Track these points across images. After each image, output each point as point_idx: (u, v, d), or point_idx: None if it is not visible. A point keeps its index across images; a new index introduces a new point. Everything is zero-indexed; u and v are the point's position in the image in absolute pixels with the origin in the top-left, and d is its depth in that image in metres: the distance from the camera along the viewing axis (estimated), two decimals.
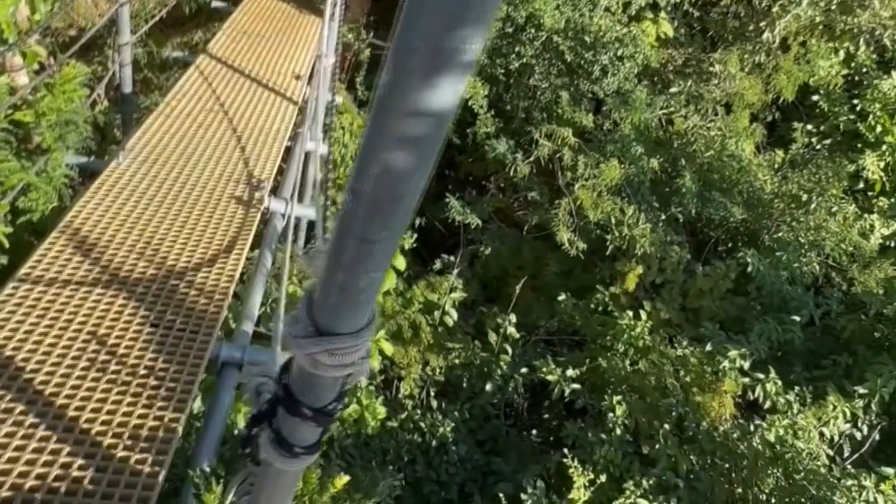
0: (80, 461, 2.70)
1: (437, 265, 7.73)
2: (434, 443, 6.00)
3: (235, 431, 3.99)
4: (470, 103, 8.62)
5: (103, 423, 2.88)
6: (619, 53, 8.33)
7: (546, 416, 7.18)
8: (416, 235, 6.90)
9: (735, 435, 5.70)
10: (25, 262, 3.63)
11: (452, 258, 7.69)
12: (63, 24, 6.51)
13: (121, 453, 2.77)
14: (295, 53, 7.22)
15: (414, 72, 0.75)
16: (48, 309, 3.38)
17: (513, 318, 6.82)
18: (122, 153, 4.71)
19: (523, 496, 4.87)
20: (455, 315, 6.95)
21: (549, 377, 6.18)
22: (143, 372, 3.16)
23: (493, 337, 6.79)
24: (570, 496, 4.56)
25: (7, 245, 3.77)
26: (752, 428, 5.77)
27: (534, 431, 7.00)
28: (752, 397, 6.09)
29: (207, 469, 2.73)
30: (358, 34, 9.12)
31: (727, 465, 5.62)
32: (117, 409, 2.96)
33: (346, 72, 9.29)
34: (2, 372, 2.99)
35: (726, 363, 6.08)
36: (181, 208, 4.42)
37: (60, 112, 4.12)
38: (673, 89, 9.13)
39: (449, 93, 0.76)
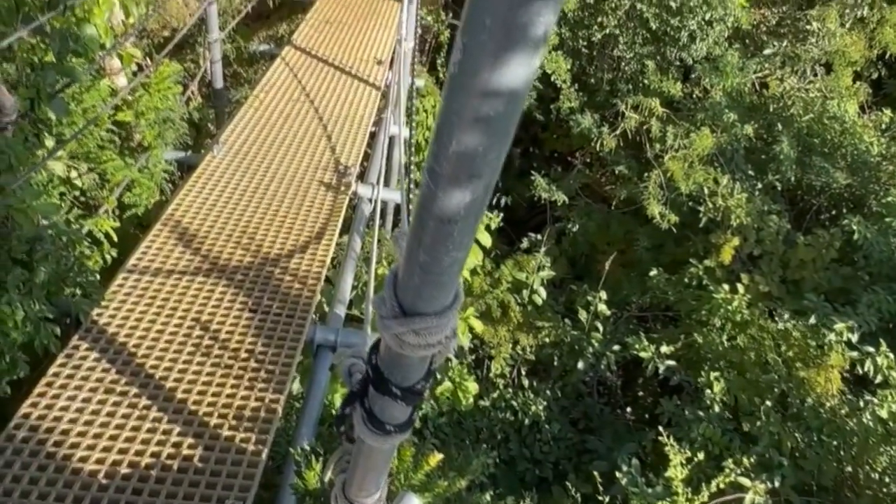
0: (189, 440, 2.86)
1: (524, 244, 7.69)
2: (527, 421, 6.00)
3: (333, 411, 4.13)
4: (552, 78, 8.48)
5: (209, 403, 3.04)
6: (708, 17, 7.99)
7: (640, 393, 7.05)
8: (501, 214, 6.89)
9: (843, 411, 5.43)
10: (132, 254, 3.85)
11: (539, 236, 7.63)
12: (157, 25, 6.80)
13: (226, 432, 2.92)
14: (376, 39, 7.30)
15: (485, 49, 0.74)
16: (155, 297, 3.57)
17: (603, 294, 6.71)
18: (216, 146, 4.90)
19: (618, 474, 4.81)
20: (544, 293, 6.91)
21: (643, 354, 6.06)
22: (244, 355, 3.31)
23: (583, 314, 6.71)
24: (667, 474, 4.47)
25: (115, 238, 4.00)
26: (861, 404, 5.48)
27: (628, 409, 6.89)
28: (861, 372, 5.78)
29: (307, 447, 2.84)
30: (437, 16, 9.11)
31: (835, 443, 5.37)
32: (222, 390, 3.11)
33: (427, 54, 9.32)
34: (116, 357, 3.19)
35: (832, 336, 5.79)
36: (273, 196, 4.58)
37: (158, 110, 4.33)
38: (767, 51, 8.68)
39: (522, 69, 0.75)
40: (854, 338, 5.87)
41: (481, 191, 0.91)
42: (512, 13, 0.70)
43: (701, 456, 4.64)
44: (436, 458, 2.57)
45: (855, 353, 5.76)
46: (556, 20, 0.73)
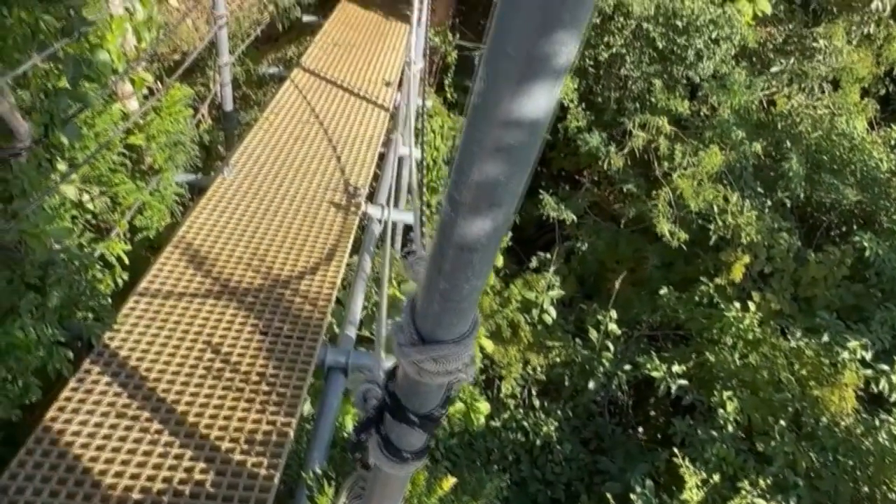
0: (201, 465, 2.85)
1: (534, 263, 7.67)
2: (538, 442, 5.96)
3: (344, 434, 4.11)
4: (559, 97, 8.49)
5: (221, 427, 3.02)
6: (714, 36, 8.01)
7: (652, 413, 6.99)
8: (510, 234, 6.88)
9: (859, 430, 5.37)
10: (144, 277, 3.86)
11: (548, 255, 7.61)
12: (167, 49, 6.87)
13: (238, 456, 2.90)
14: (384, 61, 7.35)
15: (508, 79, 0.74)
16: (166, 320, 3.57)
17: (613, 313, 6.68)
18: (226, 169, 4.93)
19: (632, 496, 4.76)
20: (553, 313, 6.88)
21: (654, 373, 6.02)
22: (255, 378, 3.30)
23: (593, 334, 6.67)
24: (683, 497, 4.42)
25: (127, 262, 4.01)
26: (877, 422, 5.42)
27: (640, 429, 6.83)
28: (875, 390, 5.73)
29: (319, 471, 2.82)
30: (444, 37, 9.17)
31: (851, 463, 5.30)
32: (233, 414, 3.10)
33: (435, 75, 9.37)
34: (128, 381, 3.19)
35: (846, 354, 5.74)
36: (284, 218, 4.59)
37: (169, 133, 4.35)
38: (774, 69, 8.70)
39: (544, 99, 0.75)
40: (868, 356, 5.82)
41: (502, 219, 0.91)
42: (535, 43, 0.70)
43: (717, 478, 4.59)
44: (449, 481, 2.55)
45: (869, 372, 5.71)
46: (577, 50, 0.73)
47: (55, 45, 2.78)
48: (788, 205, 7.73)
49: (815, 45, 8.57)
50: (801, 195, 7.63)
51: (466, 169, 0.85)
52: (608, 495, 5.08)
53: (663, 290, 7.08)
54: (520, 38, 0.70)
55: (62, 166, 3.43)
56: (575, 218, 8.33)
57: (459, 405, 5.16)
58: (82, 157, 3.62)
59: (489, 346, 5.66)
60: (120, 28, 3.66)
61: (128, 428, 2.97)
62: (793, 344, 6.07)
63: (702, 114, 8.57)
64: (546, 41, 0.69)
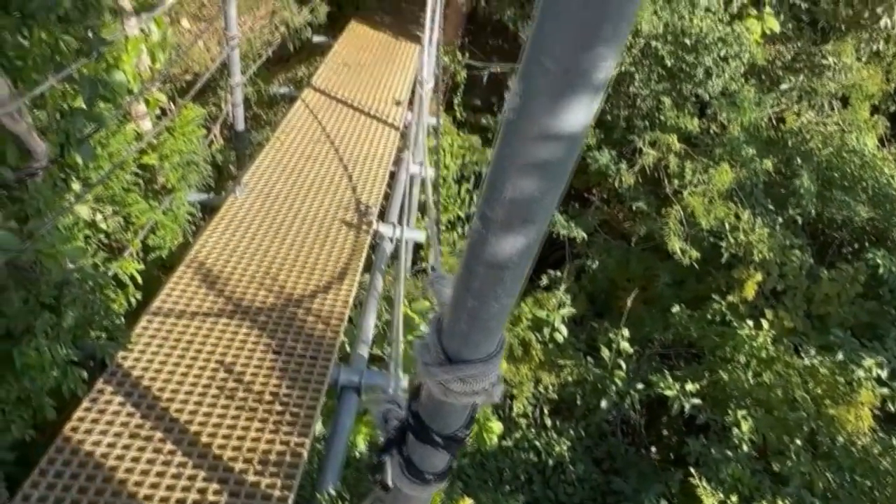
0: (214, 485, 2.82)
1: (544, 281, 7.65)
2: (550, 462, 5.90)
3: (357, 454, 4.07)
4: None
5: (234, 448, 3.00)
6: (723, 54, 8.03)
7: (665, 432, 6.92)
8: None
9: (876, 450, 5.30)
10: (156, 297, 3.85)
11: (559, 273, 7.58)
12: (179, 70, 6.92)
13: (252, 477, 2.88)
14: (394, 80, 7.39)
15: (545, 94, 0.73)
16: (179, 339, 3.57)
17: (625, 332, 6.64)
18: (238, 188, 4.94)
19: None
20: (565, 331, 6.84)
21: (667, 392, 5.96)
22: (268, 398, 3.28)
23: (605, 352, 6.63)
24: None
25: (140, 281, 4.01)
26: (894, 442, 5.35)
27: (653, 449, 6.76)
28: (892, 409, 5.66)
29: (333, 492, 2.80)
30: (454, 56, 9.22)
31: (868, 483, 5.23)
32: (246, 434, 3.08)
33: (444, 93, 9.41)
34: (141, 401, 3.17)
35: (861, 372, 5.68)
36: (295, 237, 4.59)
37: (182, 153, 4.37)
38: (783, 86, 8.70)
39: (582, 114, 0.74)
40: (884, 374, 5.76)
41: (534, 235, 0.90)
42: (575, 57, 0.69)
43: (734, 499, 4.53)
44: (466, 502, 2.52)
45: (885, 390, 5.64)
46: (616, 63, 0.72)
47: (72, 66, 2.80)
48: (800, 222, 7.70)
49: (824, 62, 8.58)
50: (813, 212, 7.60)
51: (499, 185, 0.84)
52: None
53: (675, 309, 7.04)
54: (559, 51, 0.70)
55: (76, 186, 3.45)
56: (585, 236, 8.31)
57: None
58: (96, 177, 3.63)
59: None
60: (135, 49, 3.69)
61: (141, 448, 2.95)
62: (807, 362, 6.01)
63: (711, 131, 8.57)
64: (586, 55, 0.68)
